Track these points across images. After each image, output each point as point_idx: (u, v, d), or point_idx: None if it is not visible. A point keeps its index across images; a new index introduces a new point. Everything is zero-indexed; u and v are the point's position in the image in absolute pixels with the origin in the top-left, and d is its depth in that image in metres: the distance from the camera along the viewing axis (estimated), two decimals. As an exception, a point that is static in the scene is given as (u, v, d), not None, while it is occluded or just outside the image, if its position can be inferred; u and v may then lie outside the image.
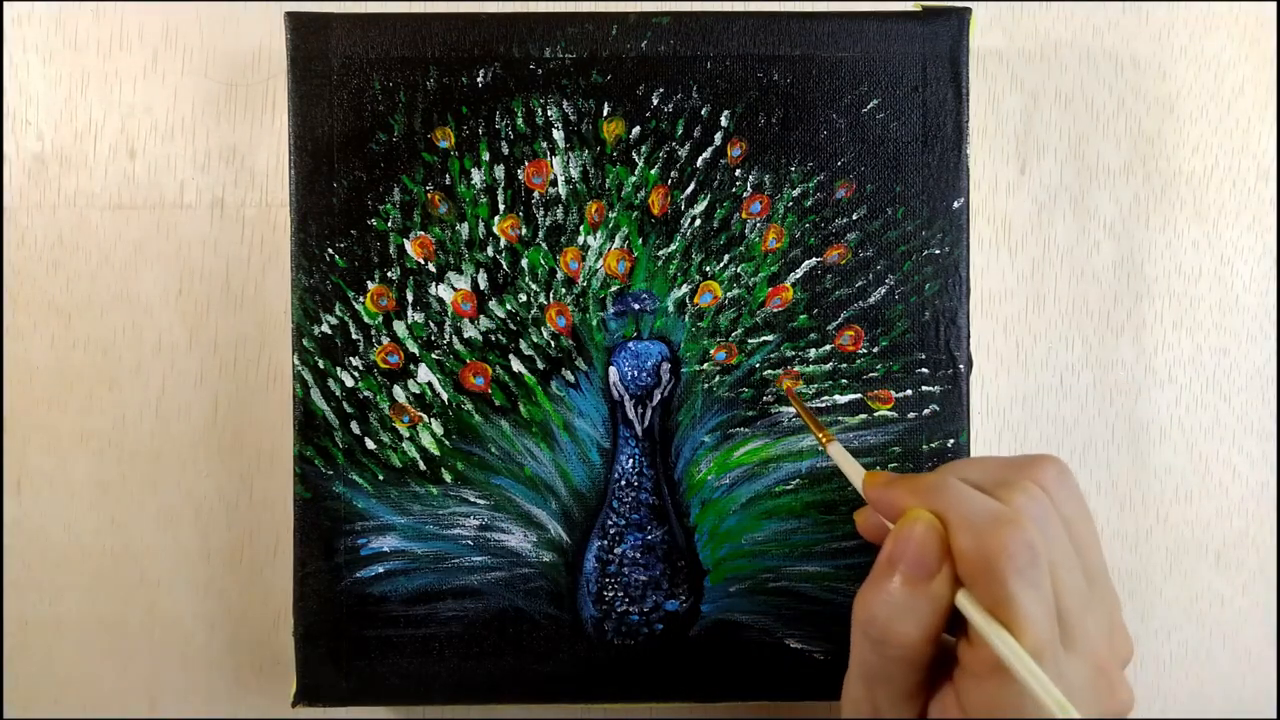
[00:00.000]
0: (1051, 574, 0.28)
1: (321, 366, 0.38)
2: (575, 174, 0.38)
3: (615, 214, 0.38)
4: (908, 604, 0.29)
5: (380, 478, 0.38)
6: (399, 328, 0.38)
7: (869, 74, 0.38)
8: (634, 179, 0.38)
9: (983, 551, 0.27)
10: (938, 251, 0.38)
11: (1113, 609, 0.31)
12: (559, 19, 0.38)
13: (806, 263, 0.38)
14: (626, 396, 0.38)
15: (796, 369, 0.38)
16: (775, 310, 0.38)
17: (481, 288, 0.38)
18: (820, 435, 0.35)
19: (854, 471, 0.32)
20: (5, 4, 0.41)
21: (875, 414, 0.38)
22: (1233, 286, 0.42)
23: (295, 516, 0.38)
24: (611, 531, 0.38)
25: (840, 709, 0.33)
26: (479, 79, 0.38)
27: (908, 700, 0.30)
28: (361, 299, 0.38)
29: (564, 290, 0.38)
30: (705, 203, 0.38)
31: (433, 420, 0.38)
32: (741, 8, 0.42)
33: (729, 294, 0.38)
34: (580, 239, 0.38)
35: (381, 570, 0.38)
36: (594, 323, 0.38)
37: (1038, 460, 0.31)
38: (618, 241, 0.38)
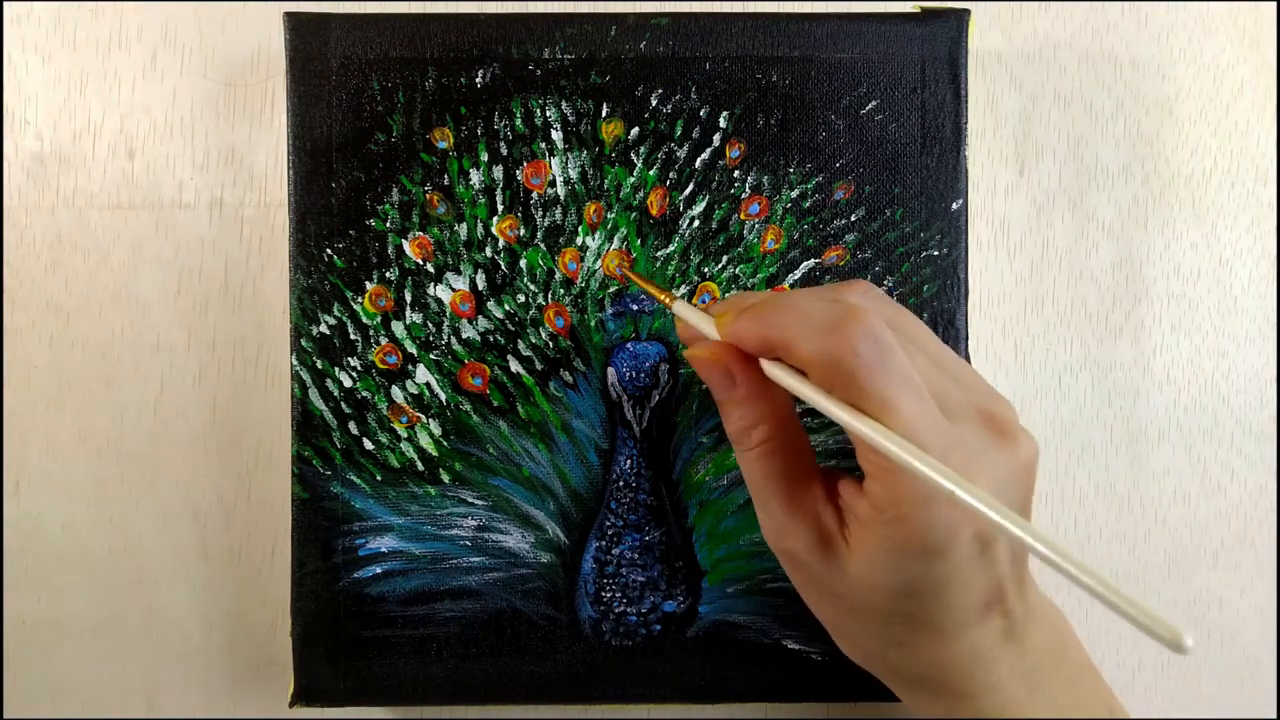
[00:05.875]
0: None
1: (320, 367, 0.38)
2: (574, 175, 0.38)
3: (614, 215, 0.38)
4: (737, 413, 0.31)
5: (378, 478, 0.38)
6: (397, 328, 0.38)
7: (868, 75, 0.38)
8: (633, 180, 0.38)
9: (830, 354, 0.28)
10: (936, 253, 0.38)
11: (973, 379, 0.31)
12: (558, 20, 0.38)
13: (805, 264, 0.38)
14: (625, 397, 0.38)
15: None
16: (773, 311, 0.38)
17: (480, 288, 0.38)
18: (663, 297, 0.35)
19: (705, 323, 0.32)
20: (4, 4, 0.41)
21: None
22: (1231, 289, 0.42)
23: (293, 517, 0.38)
24: (609, 532, 0.38)
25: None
26: (478, 79, 0.38)
27: (794, 502, 0.31)
28: (360, 299, 0.38)
29: (562, 291, 0.38)
30: (704, 204, 0.38)
31: (431, 421, 0.38)
32: (741, 9, 0.42)
33: (727, 295, 0.38)
34: (579, 240, 0.38)
35: (379, 571, 0.38)
36: (592, 323, 0.38)
37: (845, 283, 0.32)
38: (616, 242, 0.38)
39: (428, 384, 0.38)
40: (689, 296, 0.38)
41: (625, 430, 0.38)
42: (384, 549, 0.38)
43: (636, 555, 0.38)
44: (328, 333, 0.38)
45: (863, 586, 0.30)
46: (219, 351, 0.41)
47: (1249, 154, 0.43)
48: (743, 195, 0.38)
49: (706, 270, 0.38)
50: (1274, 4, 0.43)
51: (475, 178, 0.38)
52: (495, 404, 0.38)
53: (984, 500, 0.25)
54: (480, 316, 0.38)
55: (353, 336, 0.38)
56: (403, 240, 0.38)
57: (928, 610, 0.29)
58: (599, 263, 0.38)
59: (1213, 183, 0.43)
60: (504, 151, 0.38)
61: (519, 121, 0.38)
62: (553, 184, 0.38)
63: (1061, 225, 0.42)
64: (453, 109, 0.38)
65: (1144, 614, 0.22)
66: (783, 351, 0.29)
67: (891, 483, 0.28)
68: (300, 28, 0.37)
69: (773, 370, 0.30)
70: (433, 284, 0.38)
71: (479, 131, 0.38)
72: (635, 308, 0.38)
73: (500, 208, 0.38)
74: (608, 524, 0.38)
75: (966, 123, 0.38)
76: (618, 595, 0.38)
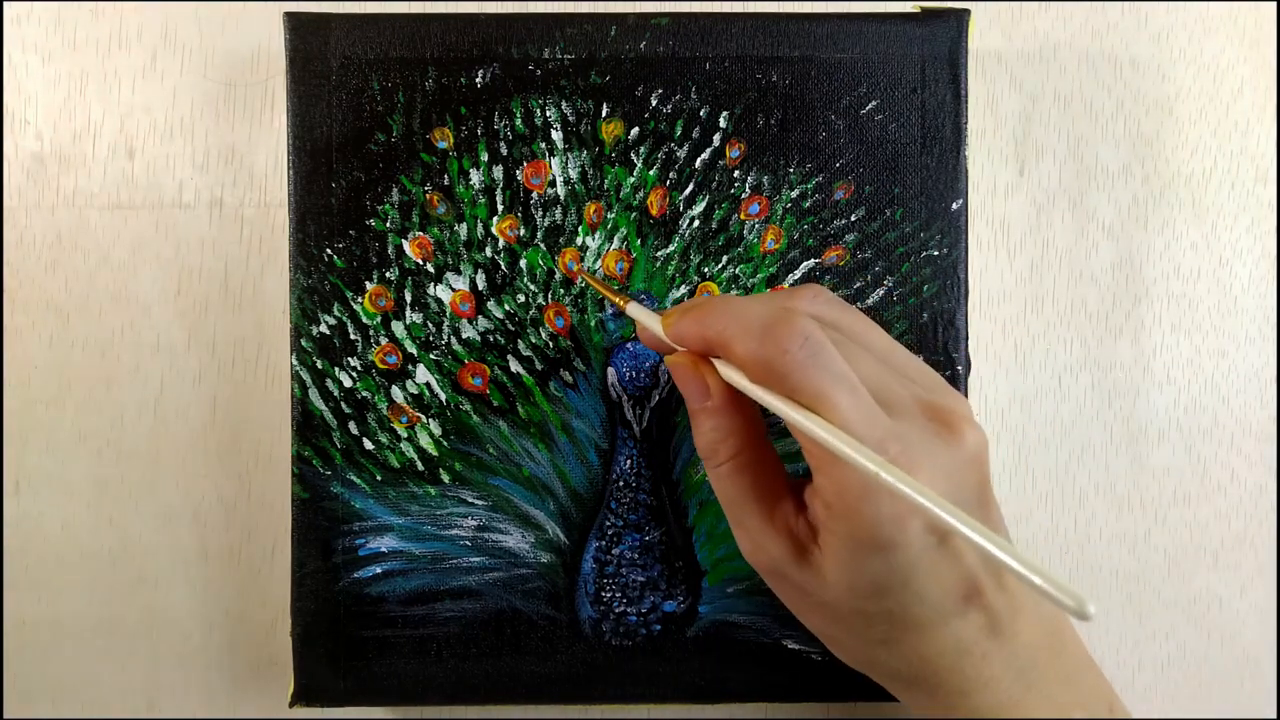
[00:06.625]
0: (844, 354, 0.29)
1: (320, 367, 0.38)
2: (574, 175, 0.38)
3: (614, 215, 0.38)
4: (709, 424, 0.32)
5: (378, 478, 0.38)
6: (397, 328, 0.38)
7: (868, 75, 0.38)
8: (633, 180, 0.38)
9: (763, 355, 0.29)
10: (936, 253, 0.38)
11: (924, 375, 0.32)
12: (558, 20, 0.38)
13: (805, 264, 0.38)
14: (625, 397, 0.38)
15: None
16: (773, 311, 0.38)
17: (480, 288, 0.38)
18: (618, 300, 0.36)
19: (654, 322, 0.33)
20: (4, 4, 0.41)
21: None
22: (1231, 288, 0.42)
23: (293, 517, 0.38)
24: (609, 532, 0.38)
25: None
26: (478, 79, 0.38)
27: (767, 517, 0.31)
28: (360, 299, 0.38)
29: (562, 291, 0.38)
30: (704, 204, 0.38)
31: (431, 421, 0.38)
32: (741, 9, 0.42)
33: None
34: (579, 240, 0.38)
35: (379, 571, 0.38)
36: (592, 323, 0.38)
37: (797, 287, 0.33)
38: (616, 242, 0.38)
39: (428, 384, 0.38)
40: (689, 296, 0.38)
41: (625, 430, 0.38)
42: (384, 549, 0.38)
43: (636, 555, 0.38)
44: (328, 333, 0.38)
45: (840, 591, 0.30)
46: (219, 351, 0.41)
47: (1249, 154, 0.43)
48: (743, 195, 0.38)
49: (706, 270, 0.38)
50: (1274, 4, 0.43)
51: (475, 178, 0.38)
52: (495, 404, 0.38)
53: (900, 478, 0.26)
54: (480, 316, 0.38)
55: (353, 336, 0.38)
56: (403, 240, 0.38)
57: (903, 606, 0.30)
58: (599, 263, 0.38)
59: (1213, 183, 0.43)
60: (504, 151, 0.38)
61: (519, 121, 0.38)
62: (553, 184, 0.38)
63: (1061, 225, 0.42)
64: (453, 109, 0.38)
65: (1049, 581, 0.23)
66: (721, 351, 0.30)
67: (834, 474, 0.29)
68: (300, 28, 0.37)
69: (720, 368, 0.31)
70: (433, 284, 0.38)
71: (479, 131, 0.38)
72: (635, 308, 0.38)
73: (500, 208, 0.38)
74: (608, 524, 0.38)
75: (966, 123, 0.38)
76: (618, 595, 0.38)
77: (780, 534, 0.31)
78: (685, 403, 0.33)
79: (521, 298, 0.38)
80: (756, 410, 0.32)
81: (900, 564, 0.29)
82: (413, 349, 0.38)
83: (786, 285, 0.38)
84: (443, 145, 0.38)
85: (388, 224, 0.38)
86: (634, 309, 0.35)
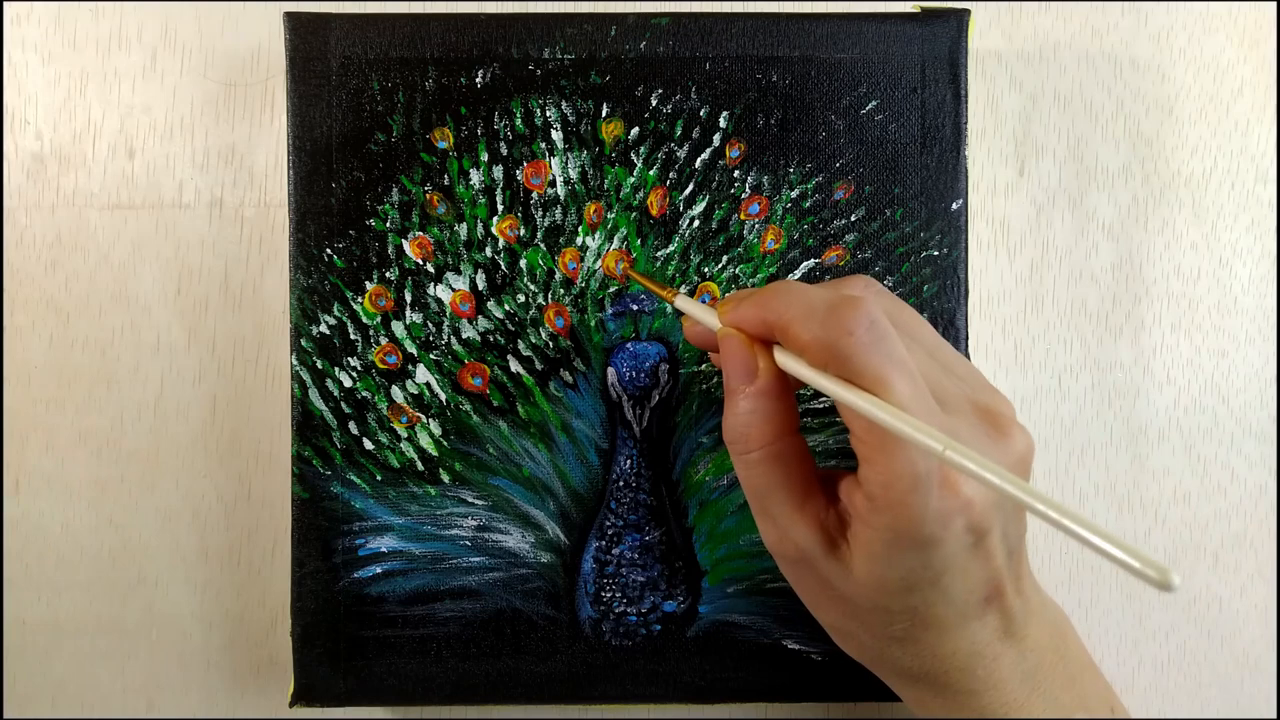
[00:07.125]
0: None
1: (320, 367, 0.38)
2: (574, 175, 0.38)
3: (614, 215, 0.38)
4: (748, 408, 0.31)
5: (378, 478, 0.38)
6: (397, 328, 0.38)
7: (868, 75, 0.38)
8: (633, 180, 0.38)
9: (826, 336, 0.28)
10: (936, 253, 0.38)
11: (972, 375, 0.32)
12: (558, 20, 0.38)
13: (805, 264, 0.38)
14: (625, 397, 0.38)
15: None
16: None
17: (480, 288, 0.38)
18: (666, 293, 0.35)
19: (707, 314, 0.33)
20: (4, 4, 0.41)
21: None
22: (1231, 288, 0.42)
23: (293, 516, 0.38)
24: (609, 532, 0.38)
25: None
26: (478, 79, 0.38)
27: (798, 507, 0.31)
28: (360, 299, 0.38)
29: (562, 291, 0.38)
30: (704, 204, 0.38)
31: (431, 421, 0.38)
32: (741, 9, 0.42)
33: (729, 294, 0.38)
34: (579, 240, 0.38)
35: (379, 570, 0.38)
36: (592, 323, 0.38)
37: (847, 277, 0.33)
38: (616, 242, 0.38)
39: (428, 384, 0.38)
40: (689, 296, 0.38)
41: (625, 430, 0.38)
42: (384, 549, 0.38)
43: (636, 555, 0.38)
44: (328, 333, 0.38)
45: (867, 586, 0.30)
46: (219, 351, 0.41)
47: (1249, 154, 0.43)
48: (743, 195, 0.38)
49: (706, 270, 0.38)
50: (1274, 4, 0.43)
51: (475, 178, 0.38)
52: (495, 404, 0.38)
53: (970, 457, 0.25)
54: (480, 316, 0.38)
55: (353, 336, 0.38)
56: (403, 240, 0.38)
57: (928, 603, 0.30)
58: (599, 263, 0.38)
59: (1213, 183, 0.43)
60: (504, 151, 0.38)
61: (519, 121, 0.38)
62: (553, 184, 0.38)
63: (1061, 225, 0.42)
64: (453, 109, 0.38)
65: (1134, 555, 0.22)
66: (780, 334, 0.30)
67: (884, 465, 0.28)
68: (300, 28, 0.37)
69: (776, 353, 0.31)
70: (433, 284, 0.38)
71: (479, 131, 0.38)
72: (635, 308, 0.38)
73: (500, 208, 0.38)
74: (608, 524, 0.38)
75: (966, 123, 0.38)
76: (618, 595, 0.38)
77: (811, 525, 0.31)
78: (724, 382, 0.32)
79: (521, 298, 0.38)
80: (794, 402, 0.32)
81: (935, 561, 0.29)
82: (413, 349, 0.38)
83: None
84: (443, 145, 0.38)
85: (388, 224, 0.38)
86: (682, 301, 0.34)
